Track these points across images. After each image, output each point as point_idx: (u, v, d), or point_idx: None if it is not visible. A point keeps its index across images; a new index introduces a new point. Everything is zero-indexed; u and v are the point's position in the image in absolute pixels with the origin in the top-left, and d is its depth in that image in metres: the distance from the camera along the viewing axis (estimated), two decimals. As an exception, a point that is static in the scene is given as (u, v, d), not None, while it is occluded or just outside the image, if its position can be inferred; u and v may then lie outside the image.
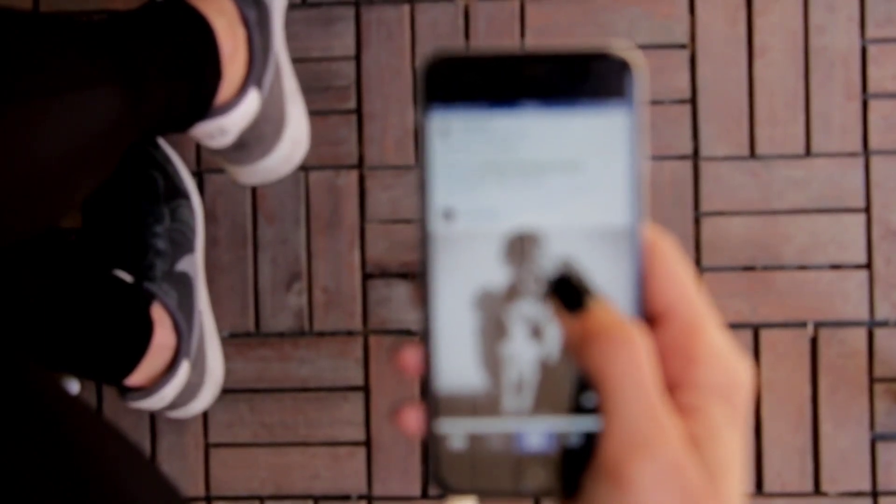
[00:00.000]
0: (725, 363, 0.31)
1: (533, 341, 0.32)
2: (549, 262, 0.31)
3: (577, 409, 0.31)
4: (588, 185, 0.31)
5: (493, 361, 0.32)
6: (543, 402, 0.32)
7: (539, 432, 0.31)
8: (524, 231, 0.31)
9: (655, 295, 0.31)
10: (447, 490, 0.32)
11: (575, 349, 0.30)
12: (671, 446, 0.29)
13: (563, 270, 0.31)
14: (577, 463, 0.31)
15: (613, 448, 0.29)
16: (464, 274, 0.32)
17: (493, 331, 0.32)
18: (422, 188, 0.32)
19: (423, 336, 0.32)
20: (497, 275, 0.32)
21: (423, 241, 0.32)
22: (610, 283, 0.31)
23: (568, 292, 0.31)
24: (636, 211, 0.31)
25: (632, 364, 0.29)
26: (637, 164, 0.31)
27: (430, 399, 0.32)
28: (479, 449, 0.32)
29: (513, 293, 0.32)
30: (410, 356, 0.32)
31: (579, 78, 0.31)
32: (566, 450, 0.31)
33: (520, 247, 0.31)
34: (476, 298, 0.32)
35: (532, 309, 0.32)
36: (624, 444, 0.29)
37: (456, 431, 0.32)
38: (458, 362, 0.32)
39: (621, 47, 0.31)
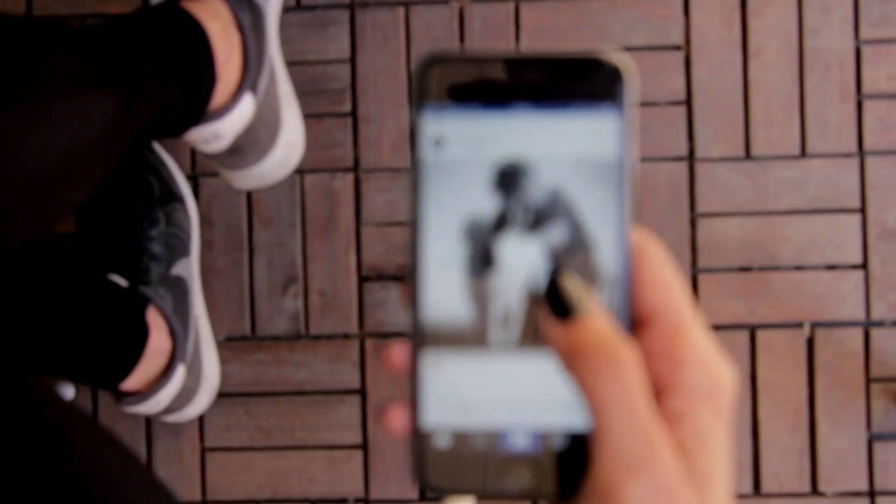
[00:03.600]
0: (709, 365, 0.31)
1: (521, 273, 0.31)
2: (538, 193, 0.31)
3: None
4: (577, 189, 0.31)
5: (479, 293, 0.32)
6: (529, 335, 0.31)
7: (524, 431, 0.32)
8: (514, 162, 0.31)
9: (642, 298, 0.31)
10: (430, 489, 0.32)
11: (564, 361, 0.30)
12: (664, 468, 0.29)
13: (554, 275, 0.31)
14: (562, 464, 0.31)
15: (606, 469, 0.29)
16: (453, 203, 0.32)
17: (481, 262, 0.32)
18: (414, 207, 0.32)
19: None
20: (486, 204, 0.31)
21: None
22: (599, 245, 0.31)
23: (558, 299, 0.31)
24: (625, 215, 0.31)
25: (622, 385, 0.29)
26: (627, 169, 0.31)
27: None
28: (463, 448, 0.32)
29: (501, 224, 0.31)
30: (398, 353, 0.32)
31: (571, 82, 0.31)
32: (551, 450, 0.31)
33: (509, 176, 0.31)
34: (464, 229, 0.32)
35: (520, 240, 0.31)
36: (616, 466, 0.29)
37: (441, 368, 0.32)
38: (444, 293, 0.32)
39: (613, 53, 0.31)
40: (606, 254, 0.31)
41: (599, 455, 0.29)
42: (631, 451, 0.29)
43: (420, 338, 0.32)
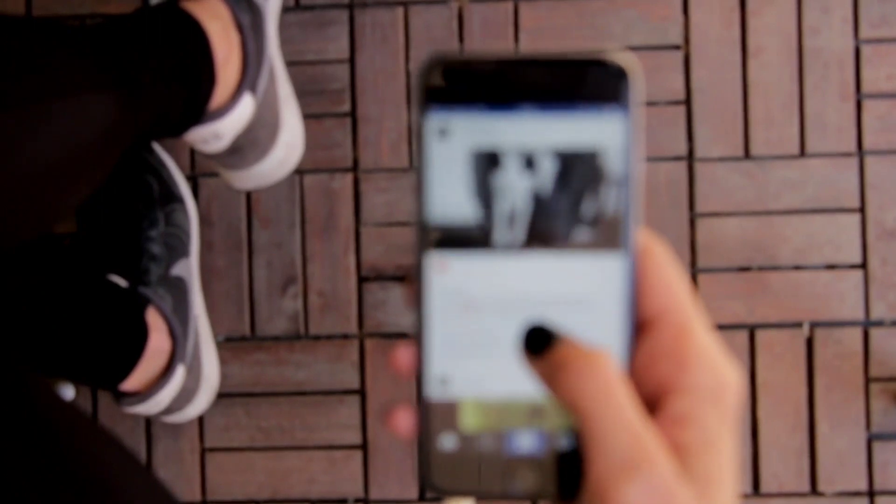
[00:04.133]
0: (714, 366, 0.31)
1: (526, 173, 0.31)
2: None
3: (569, 242, 0.31)
4: (582, 188, 0.31)
5: (485, 192, 0.32)
6: (535, 236, 0.31)
7: (529, 433, 0.32)
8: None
9: (647, 299, 0.31)
10: (436, 490, 0.32)
11: (546, 383, 0.31)
12: (658, 468, 0.28)
13: (528, 325, 0.32)
14: (566, 465, 0.31)
15: (600, 472, 0.29)
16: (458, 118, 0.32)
17: (486, 161, 0.32)
18: (418, 195, 0.32)
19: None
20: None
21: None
22: (601, 273, 0.31)
23: (532, 339, 0.31)
24: (630, 216, 0.31)
25: (603, 387, 0.29)
26: (632, 170, 0.31)
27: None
28: (468, 449, 0.32)
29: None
30: (404, 355, 0.32)
31: (576, 83, 0.31)
32: (555, 452, 0.31)
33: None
34: (471, 129, 0.31)
35: (527, 139, 0.31)
36: (610, 469, 0.29)
37: (446, 268, 0.32)
38: (450, 192, 0.32)
39: (618, 53, 0.31)
40: (614, 156, 0.31)
41: (592, 458, 0.29)
42: (622, 452, 0.29)
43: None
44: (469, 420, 0.32)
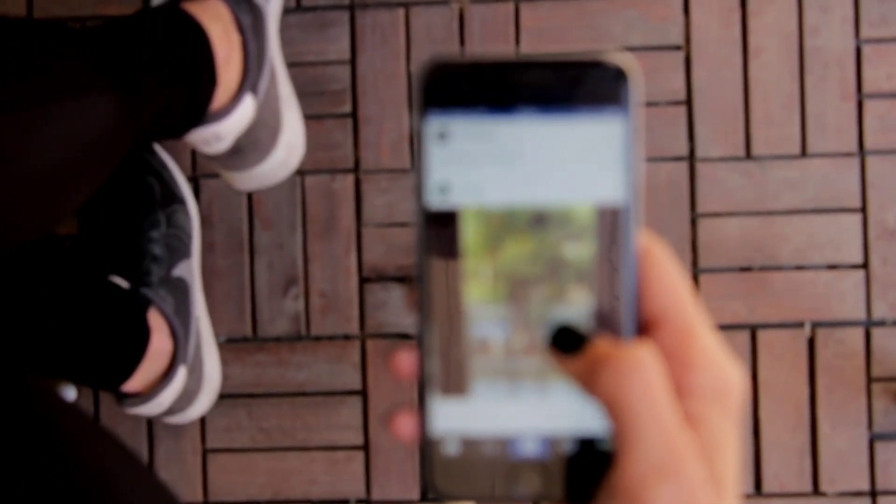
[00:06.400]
0: (718, 367, 0.31)
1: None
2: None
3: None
4: (582, 190, 0.31)
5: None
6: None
7: (533, 438, 0.32)
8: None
9: (649, 300, 0.31)
10: (441, 495, 0.32)
11: (584, 383, 0.30)
12: (688, 472, 0.29)
13: (556, 323, 0.31)
14: (574, 468, 0.31)
15: (632, 473, 0.29)
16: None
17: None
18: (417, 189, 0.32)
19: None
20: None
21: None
22: (605, 284, 0.31)
23: (564, 338, 0.31)
24: (632, 217, 0.31)
25: (645, 388, 0.29)
26: (632, 171, 0.31)
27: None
28: (472, 454, 0.32)
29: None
30: (405, 360, 0.32)
31: (575, 85, 0.31)
32: (561, 455, 0.31)
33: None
34: None
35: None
36: (643, 470, 0.29)
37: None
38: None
39: (617, 54, 0.31)
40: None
41: (625, 459, 0.29)
42: (657, 455, 0.29)
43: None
44: (469, 234, 0.32)
